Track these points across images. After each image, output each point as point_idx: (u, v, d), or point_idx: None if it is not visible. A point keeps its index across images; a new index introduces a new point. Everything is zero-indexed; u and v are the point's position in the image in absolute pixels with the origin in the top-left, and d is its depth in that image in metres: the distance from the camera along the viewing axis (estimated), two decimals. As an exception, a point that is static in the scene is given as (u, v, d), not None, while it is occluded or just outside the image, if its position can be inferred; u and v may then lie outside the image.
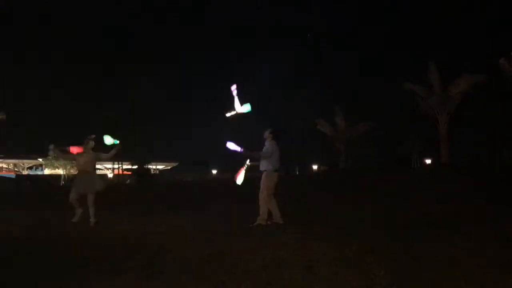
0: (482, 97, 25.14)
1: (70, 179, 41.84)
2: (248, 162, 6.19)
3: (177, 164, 63.33)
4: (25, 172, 54.90)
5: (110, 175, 48.49)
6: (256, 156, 6.02)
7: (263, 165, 5.96)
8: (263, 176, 5.95)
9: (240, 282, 2.85)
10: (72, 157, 7.03)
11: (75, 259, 3.73)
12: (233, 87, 6.04)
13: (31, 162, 56.45)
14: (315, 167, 46.46)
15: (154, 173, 44.93)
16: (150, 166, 34.20)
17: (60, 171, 44.17)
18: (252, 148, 6.06)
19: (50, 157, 41.92)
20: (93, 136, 6.73)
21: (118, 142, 6.77)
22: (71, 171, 44.71)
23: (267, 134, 6.13)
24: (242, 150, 5.87)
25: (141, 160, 30.86)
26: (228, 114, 6.09)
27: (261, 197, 5.89)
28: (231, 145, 5.92)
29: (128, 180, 35.32)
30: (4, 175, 44.71)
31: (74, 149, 6.75)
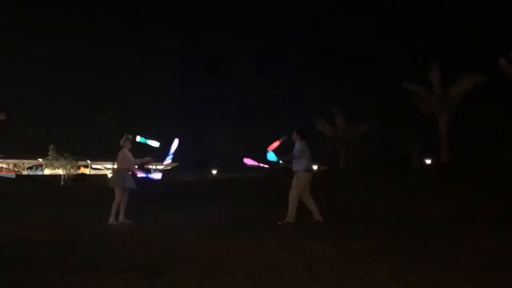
0: (482, 97, 25.18)
1: (70, 179, 41.94)
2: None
3: (177, 164, 63.39)
4: (25, 172, 54.90)
5: (110, 175, 48.45)
6: (289, 158, 6.13)
7: (295, 166, 6.09)
8: (294, 176, 6.07)
9: (240, 282, 2.85)
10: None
11: (75, 259, 3.73)
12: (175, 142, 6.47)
13: (31, 162, 56.46)
14: (315, 167, 46.48)
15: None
16: (150, 166, 34.21)
17: (60, 171, 44.16)
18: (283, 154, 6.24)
19: (50, 157, 42.02)
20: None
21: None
22: (71, 171, 44.76)
23: (294, 135, 6.27)
24: (279, 160, 6.12)
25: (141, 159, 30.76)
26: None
27: (290, 196, 5.98)
28: (248, 161, 6.21)
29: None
30: (4, 175, 44.71)
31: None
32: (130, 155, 6.63)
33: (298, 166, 6.05)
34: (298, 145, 6.12)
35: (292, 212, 5.88)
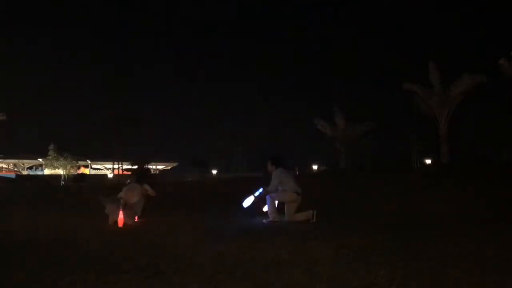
0: (482, 97, 25.21)
1: (70, 179, 41.94)
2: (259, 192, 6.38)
3: (177, 164, 63.41)
4: (25, 172, 54.90)
5: (110, 175, 48.50)
6: (266, 194, 6.25)
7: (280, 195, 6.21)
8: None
9: (240, 282, 2.85)
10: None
11: (75, 260, 3.72)
12: None
13: (31, 162, 56.47)
14: (315, 167, 46.52)
15: (154, 173, 44.90)
16: (150, 166, 34.21)
17: (60, 171, 44.17)
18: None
19: (50, 157, 42.02)
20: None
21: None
22: (71, 171, 44.78)
23: (269, 166, 6.37)
24: (259, 195, 6.31)
25: (141, 160, 30.89)
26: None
27: (287, 216, 6.14)
28: (246, 203, 6.40)
29: (128, 180, 35.28)
30: (4, 175, 44.71)
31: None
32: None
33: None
34: (274, 176, 6.20)
35: (302, 218, 6.00)
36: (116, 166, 45.20)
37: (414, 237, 4.52)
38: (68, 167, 43.38)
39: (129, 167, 34.98)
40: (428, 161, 36.83)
